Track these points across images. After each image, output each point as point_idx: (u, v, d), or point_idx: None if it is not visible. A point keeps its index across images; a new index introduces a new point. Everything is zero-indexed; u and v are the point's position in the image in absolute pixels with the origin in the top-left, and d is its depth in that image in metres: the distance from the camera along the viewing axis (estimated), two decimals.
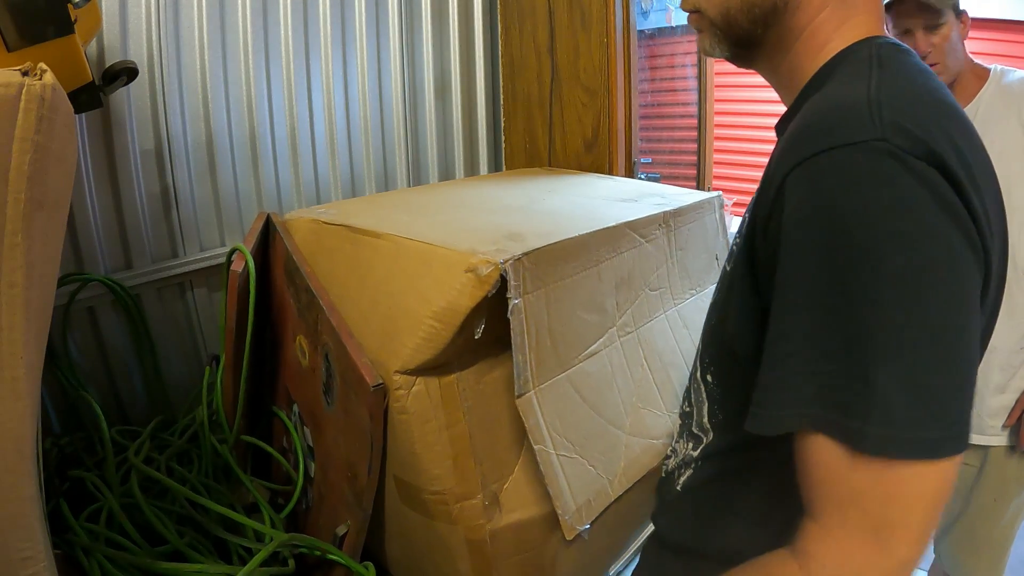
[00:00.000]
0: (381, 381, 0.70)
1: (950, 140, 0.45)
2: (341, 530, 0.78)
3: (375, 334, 0.76)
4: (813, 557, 0.46)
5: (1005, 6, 2.95)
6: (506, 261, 0.69)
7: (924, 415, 0.41)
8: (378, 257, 0.80)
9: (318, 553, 0.79)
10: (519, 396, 0.72)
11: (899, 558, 0.42)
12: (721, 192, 1.16)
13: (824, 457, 0.44)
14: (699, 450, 0.67)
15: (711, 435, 0.65)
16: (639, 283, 0.92)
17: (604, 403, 0.82)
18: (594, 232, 0.82)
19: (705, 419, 0.66)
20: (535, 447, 0.72)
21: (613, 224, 0.86)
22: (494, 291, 0.69)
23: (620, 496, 0.81)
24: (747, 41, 0.59)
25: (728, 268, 0.60)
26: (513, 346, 0.71)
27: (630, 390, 0.86)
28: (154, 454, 0.89)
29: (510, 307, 0.70)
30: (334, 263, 0.85)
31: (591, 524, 0.77)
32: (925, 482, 0.42)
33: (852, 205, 0.42)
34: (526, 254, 0.71)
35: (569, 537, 0.74)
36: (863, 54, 0.53)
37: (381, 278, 0.79)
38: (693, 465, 0.68)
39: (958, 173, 0.43)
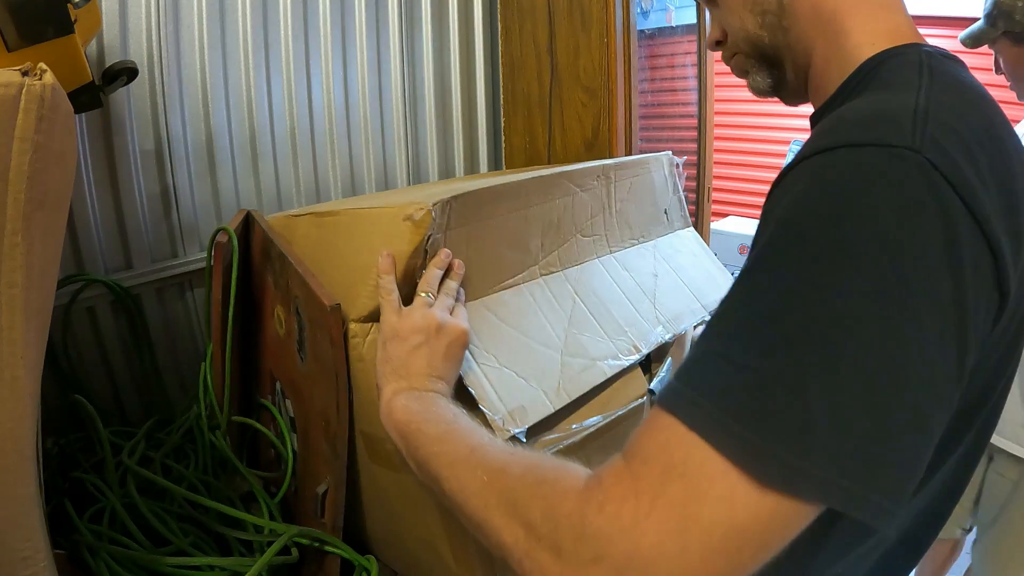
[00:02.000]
0: (338, 303, 0.74)
1: (990, 166, 0.41)
2: (321, 488, 0.79)
3: (337, 293, 0.79)
4: (603, 490, 0.38)
5: None
6: (435, 204, 0.73)
7: (844, 451, 0.34)
8: (338, 231, 0.84)
9: (316, 545, 0.79)
10: None
11: (675, 555, 0.34)
12: (671, 152, 1.17)
13: (686, 437, 0.36)
14: None
15: None
16: (570, 228, 0.94)
17: (530, 327, 0.83)
18: (527, 179, 0.86)
19: None
20: None
21: (547, 174, 0.89)
22: (431, 234, 0.73)
23: (563, 410, 0.79)
24: (777, 57, 0.60)
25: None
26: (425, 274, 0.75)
27: (560, 318, 0.88)
28: (151, 452, 0.89)
29: (429, 241, 0.73)
30: (304, 249, 0.89)
31: (527, 431, 0.74)
32: (786, 520, 0.35)
33: (855, 198, 0.38)
34: (455, 197, 0.75)
35: (503, 438, 0.73)
36: (912, 57, 0.50)
37: (341, 246, 0.83)
38: None
39: (984, 207, 0.39)
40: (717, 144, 2.15)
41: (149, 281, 1.09)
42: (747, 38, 0.60)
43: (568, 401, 0.80)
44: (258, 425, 0.95)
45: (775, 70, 0.61)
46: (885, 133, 0.40)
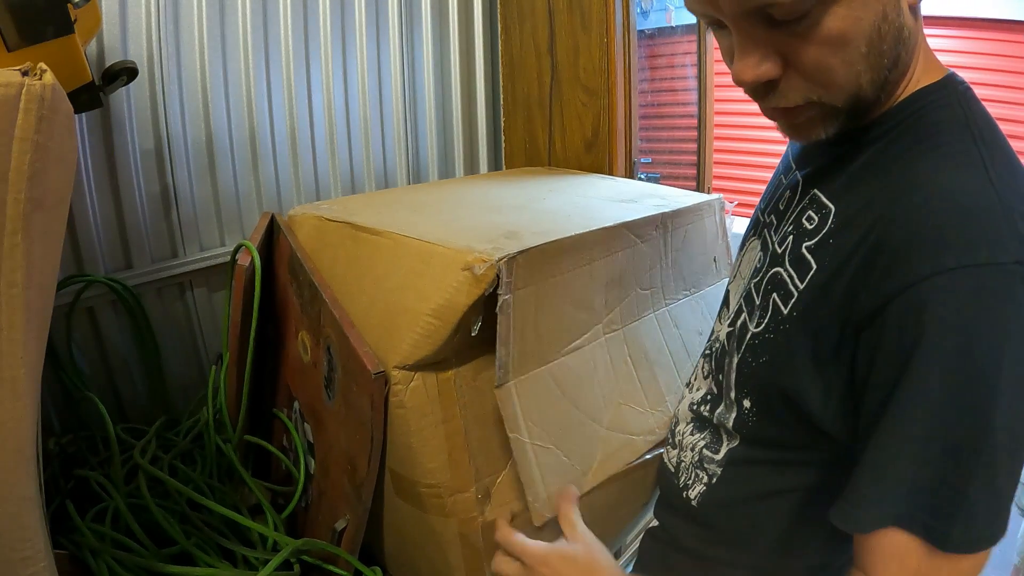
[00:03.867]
0: (382, 369, 0.71)
1: None
2: (340, 525, 0.78)
3: (374, 330, 0.77)
4: None
5: (1005, 6, 2.95)
6: (501, 259, 0.69)
7: (996, 516, 0.47)
8: (378, 254, 0.80)
9: (320, 563, 0.78)
10: (498, 386, 0.73)
11: None
12: (722, 195, 1.16)
13: (900, 546, 0.48)
14: (722, 453, 0.66)
15: (737, 440, 0.64)
16: (631, 282, 0.92)
17: (583, 397, 0.82)
18: (590, 231, 0.82)
19: (730, 425, 0.65)
20: (510, 435, 0.73)
21: (610, 224, 0.86)
22: (491, 289, 0.69)
23: (597, 490, 0.81)
24: (866, 111, 0.53)
25: (785, 311, 0.56)
26: (498, 339, 0.72)
27: (611, 386, 0.86)
28: (159, 453, 0.89)
29: (500, 303, 0.70)
30: (335, 260, 0.86)
31: None
32: (977, 566, 0.48)
33: (990, 332, 0.44)
34: (521, 252, 0.72)
35: (538, 524, 0.75)
36: (954, 108, 0.51)
37: (381, 275, 0.79)
38: (711, 474, 0.67)
39: None
40: (717, 144, 2.15)
41: (149, 281, 1.09)
42: (856, 94, 0.50)
43: (602, 479, 0.81)
44: (273, 448, 0.94)
45: (851, 120, 0.53)
46: (992, 248, 0.45)
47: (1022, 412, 0.45)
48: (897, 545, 0.48)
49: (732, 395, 0.64)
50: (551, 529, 0.79)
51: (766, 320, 0.59)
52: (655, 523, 0.79)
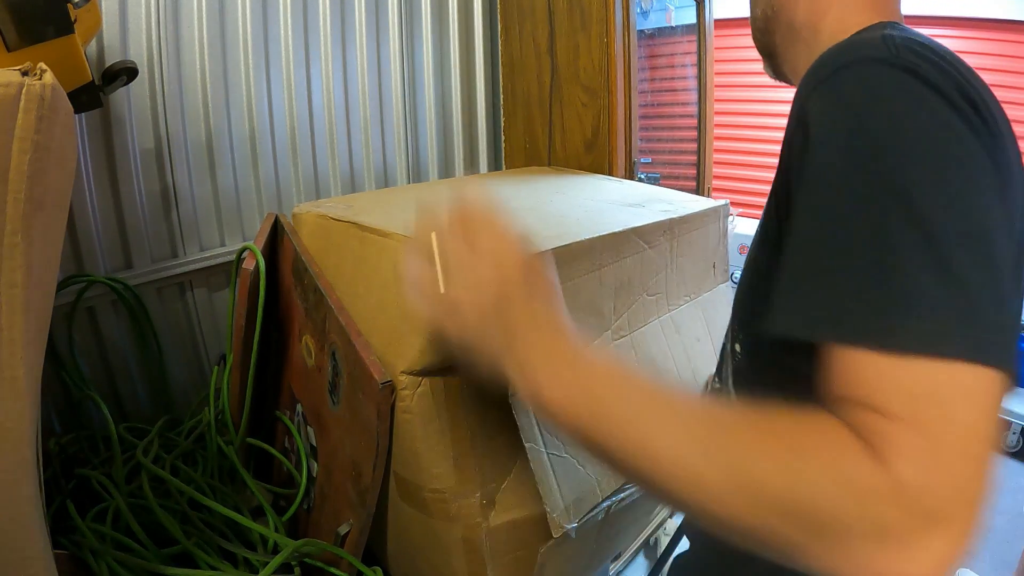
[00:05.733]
0: (389, 379, 0.71)
1: (965, 79, 0.44)
2: (343, 529, 0.78)
3: (381, 333, 0.76)
4: (899, 454, 0.34)
5: (1005, 6, 2.95)
6: None
7: (965, 308, 0.36)
8: (385, 256, 0.79)
9: (321, 566, 0.78)
10: (512, 395, 0.72)
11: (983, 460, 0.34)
12: (728, 201, 1.15)
13: (866, 364, 0.37)
14: None
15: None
16: (638, 288, 0.92)
17: None
18: (600, 237, 0.82)
19: (732, 394, 0.64)
20: (526, 445, 0.72)
21: (620, 230, 0.86)
22: None
23: (609, 495, 0.81)
24: (770, 52, 0.66)
25: (760, 223, 0.57)
26: None
27: None
28: (161, 453, 0.89)
29: None
30: (341, 260, 0.86)
31: (578, 522, 0.77)
32: (978, 384, 0.35)
33: (873, 106, 0.42)
34: None
35: (556, 534, 0.74)
36: (874, 30, 0.52)
37: (389, 278, 0.79)
38: None
39: (972, 96, 0.42)
40: (717, 144, 2.15)
41: (149, 281, 1.09)
42: (753, 27, 0.66)
43: (615, 487, 0.81)
44: (276, 453, 0.94)
45: (771, 60, 0.67)
46: (865, 51, 0.45)
47: (958, 187, 0.39)
48: (864, 362, 0.37)
49: (728, 345, 0.64)
50: (572, 541, 0.78)
51: (751, 245, 0.60)
52: (687, 548, 0.77)
